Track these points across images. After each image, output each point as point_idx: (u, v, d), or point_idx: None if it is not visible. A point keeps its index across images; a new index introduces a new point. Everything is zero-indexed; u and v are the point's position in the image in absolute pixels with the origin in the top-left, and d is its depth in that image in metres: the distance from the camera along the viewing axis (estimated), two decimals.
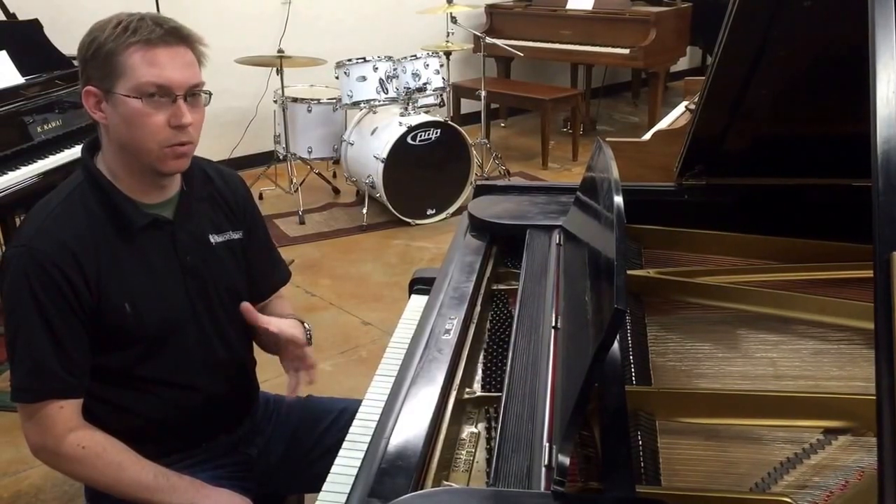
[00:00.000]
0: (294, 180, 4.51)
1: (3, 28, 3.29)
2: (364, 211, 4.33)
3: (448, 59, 4.79)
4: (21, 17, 3.46)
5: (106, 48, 1.28)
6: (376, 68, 4.31)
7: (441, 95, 4.59)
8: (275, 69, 4.44)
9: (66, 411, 1.32)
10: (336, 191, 4.86)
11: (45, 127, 3.05)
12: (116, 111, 1.30)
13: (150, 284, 1.38)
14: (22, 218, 3.05)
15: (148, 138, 1.30)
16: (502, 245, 1.63)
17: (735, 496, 0.98)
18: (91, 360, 1.35)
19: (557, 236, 1.55)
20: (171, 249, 1.41)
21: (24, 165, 2.92)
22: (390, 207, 4.23)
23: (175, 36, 1.30)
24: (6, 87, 2.98)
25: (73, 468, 1.35)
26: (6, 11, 3.46)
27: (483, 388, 1.26)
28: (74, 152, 3.07)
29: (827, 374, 1.23)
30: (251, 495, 1.42)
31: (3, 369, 2.94)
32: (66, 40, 3.39)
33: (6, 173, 2.83)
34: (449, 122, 4.35)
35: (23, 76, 3.08)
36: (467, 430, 1.16)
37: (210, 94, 1.37)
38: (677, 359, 1.29)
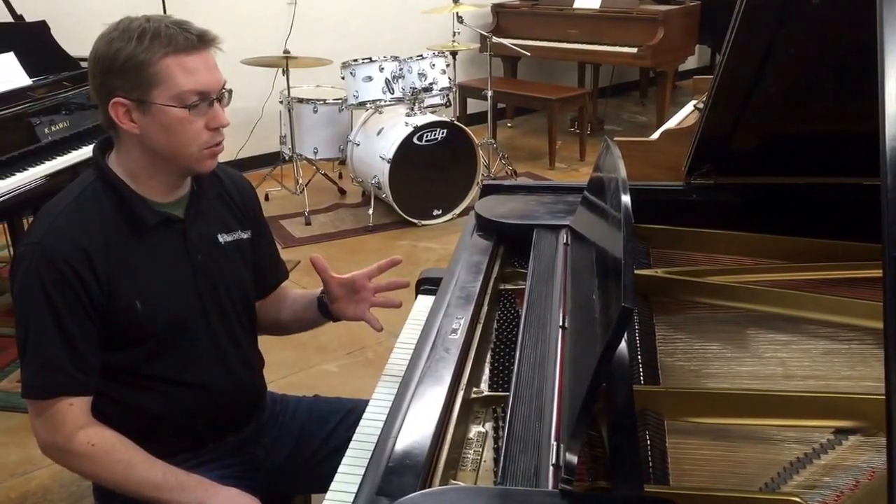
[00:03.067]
0: (300, 181, 4.51)
1: (10, 29, 3.30)
2: (370, 212, 4.33)
3: (454, 58, 4.78)
4: (28, 18, 3.47)
5: (136, 60, 1.28)
6: (382, 68, 4.31)
7: (447, 95, 4.58)
8: (280, 70, 4.44)
9: (76, 408, 1.33)
10: (342, 191, 4.86)
11: (53, 128, 3.06)
12: (154, 120, 1.31)
13: (160, 283, 1.38)
14: (30, 219, 3.06)
15: (190, 143, 1.32)
16: (509, 245, 1.63)
17: (744, 496, 0.97)
18: (101, 358, 1.35)
19: (565, 236, 1.54)
20: (181, 248, 1.42)
21: (32, 167, 2.92)
22: (396, 208, 4.23)
23: (203, 41, 1.31)
24: (14, 89, 2.98)
25: (82, 465, 1.36)
26: (13, 13, 3.47)
27: (490, 387, 1.25)
28: (82, 153, 3.07)
29: (837, 374, 1.23)
30: (258, 495, 1.42)
31: (9, 370, 2.95)
32: (73, 41, 3.41)
33: (14, 175, 2.84)
34: (455, 122, 4.35)
35: (30, 77, 3.09)
36: (474, 430, 1.16)
37: (231, 90, 1.38)
38: (686, 358, 1.29)
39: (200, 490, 1.35)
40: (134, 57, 1.28)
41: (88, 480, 1.48)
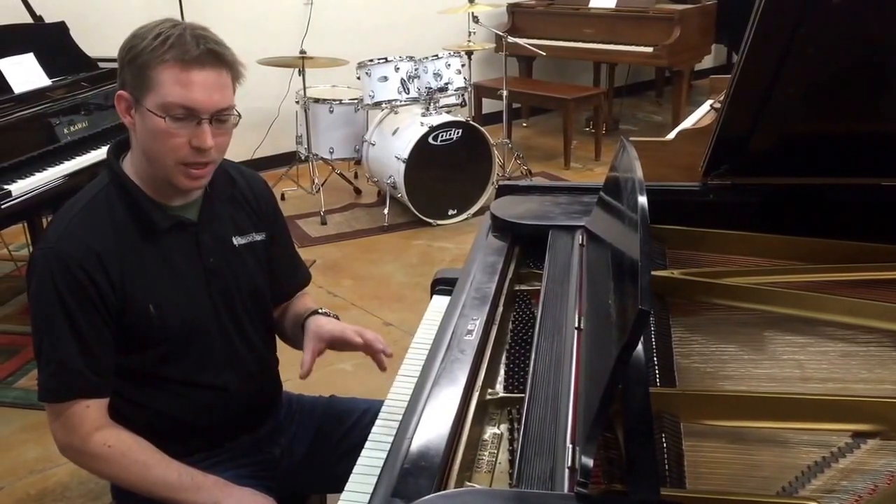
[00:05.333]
0: (316, 181, 4.53)
1: (30, 30, 3.33)
2: (385, 211, 4.34)
3: (470, 58, 4.78)
4: (47, 19, 3.50)
5: (142, 58, 1.28)
6: (398, 68, 4.32)
7: (463, 95, 4.58)
8: (297, 70, 4.46)
9: (93, 410, 1.34)
10: (357, 191, 4.87)
11: (72, 128, 3.09)
12: (142, 122, 1.31)
13: (173, 286, 1.39)
14: (49, 219, 3.09)
15: (167, 154, 1.31)
16: (525, 245, 1.63)
17: (761, 499, 0.96)
18: (115, 360, 1.36)
19: (580, 237, 1.54)
20: (194, 251, 1.42)
21: (51, 167, 2.95)
22: (412, 208, 4.23)
23: (211, 57, 1.29)
24: (33, 89, 3.02)
25: (99, 466, 1.37)
26: (33, 14, 3.50)
27: (505, 389, 1.25)
28: (100, 153, 3.10)
29: (855, 377, 1.22)
30: (273, 495, 1.43)
31: (28, 368, 2.98)
32: (92, 42, 3.44)
33: (33, 174, 2.87)
34: (470, 121, 4.35)
35: (49, 78, 3.12)
36: (490, 431, 1.16)
37: (240, 116, 1.36)
38: (702, 360, 1.28)
39: (216, 490, 1.35)
40: (141, 55, 1.28)
41: (106, 481, 1.50)
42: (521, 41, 5.03)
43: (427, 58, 4.41)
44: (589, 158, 5.43)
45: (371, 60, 4.34)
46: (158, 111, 1.28)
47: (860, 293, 1.39)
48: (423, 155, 4.13)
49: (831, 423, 1.09)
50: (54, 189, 2.91)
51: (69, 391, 1.33)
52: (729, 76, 1.47)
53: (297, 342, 1.61)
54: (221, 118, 1.32)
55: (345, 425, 1.59)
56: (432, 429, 1.07)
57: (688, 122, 3.28)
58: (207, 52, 1.28)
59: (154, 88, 1.28)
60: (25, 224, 3.33)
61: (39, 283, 1.31)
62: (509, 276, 1.52)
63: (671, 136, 2.99)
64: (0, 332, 3.28)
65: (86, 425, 1.33)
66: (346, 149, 4.58)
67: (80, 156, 3.07)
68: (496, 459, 1.10)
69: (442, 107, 4.43)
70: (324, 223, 4.38)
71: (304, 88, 4.44)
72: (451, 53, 4.50)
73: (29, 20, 3.47)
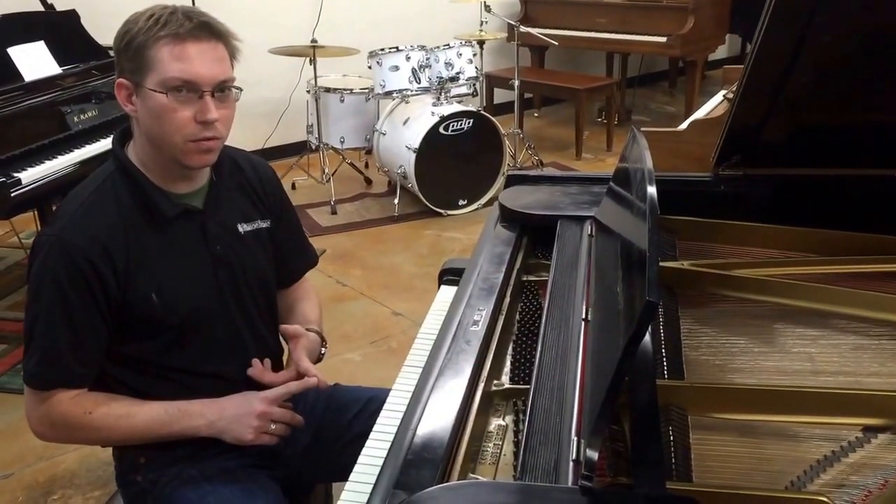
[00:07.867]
0: (326, 170, 4.52)
1: (41, 18, 3.34)
2: (396, 201, 4.33)
3: (481, 48, 4.76)
4: (58, 7, 3.50)
5: (137, 41, 1.28)
6: (409, 58, 4.30)
7: (474, 85, 4.57)
8: (308, 59, 4.45)
9: (71, 398, 1.35)
10: (368, 181, 4.87)
11: (82, 116, 3.10)
12: (145, 104, 1.31)
13: (179, 274, 1.39)
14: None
15: (173, 132, 1.30)
16: (533, 236, 1.61)
17: (770, 494, 0.95)
18: (104, 351, 1.37)
19: (589, 227, 1.53)
20: (201, 239, 1.42)
21: (62, 154, 2.96)
22: (422, 198, 4.22)
23: (205, 30, 1.29)
24: (44, 77, 3.03)
25: (86, 435, 1.39)
26: (44, 2, 3.51)
27: (511, 380, 1.24)
28: (111, 142, 3.10)
29: (867, 371, 1.20)
30: (278, 484, 1.43)
31: None
32: (103, 31, 3.43)
33: (44, 162, 2.88)
34: (482, 111, 4.33)
35: (60, 66, 3.13)
36: (495, 423, 1.15)
37: (240, 89, 1.36)
38: (711, 353, 1.27)
39: (206, 409, 1.38)
40: (135, 38, 1.28)
41: (98, 445, 1.50)
42: (534, 31, 5.00)
43: (439, 47, 4.39)
44: (601, 149, 5.41)
45: (382, 50, 4.32)
46: (159, 88, 1.28)
47: (872, 286, 1.37)
48: (433, 145, 4.12)
49: (842, 416, 1.08)
50: (64, 177, 2.91)
51: (54, 381, 1.34)
52: (742, 66, 1.45)
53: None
54: (223, 90, 1.32)
55: (349, 414, 1.59)
56: (437, 419, 1.06)
57: (700, 113, 3.26)
58: (201, 25, 1.29)
59: (153, 67, 1.28)
60: (35, 212, 3.34)
61: (41, 269, 1.31)
62: (517, 266, 1.51)
63: (683, 126, 2.97)
64: (10, 319, 3.30)
65: (64, 411, 1.34)
66: (357, 138, 4.58)
67: (90, 144, 3.08)
68: (501, 451, 1.09)
69: (453, 96, 4.41)
70: (334, 213, 4.38)
71: (315, 78, 4.43)
72: (463, 43, 4.47)
73: (40, 8, 3.48)
